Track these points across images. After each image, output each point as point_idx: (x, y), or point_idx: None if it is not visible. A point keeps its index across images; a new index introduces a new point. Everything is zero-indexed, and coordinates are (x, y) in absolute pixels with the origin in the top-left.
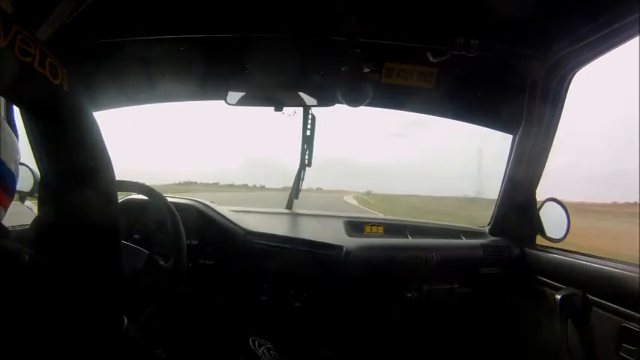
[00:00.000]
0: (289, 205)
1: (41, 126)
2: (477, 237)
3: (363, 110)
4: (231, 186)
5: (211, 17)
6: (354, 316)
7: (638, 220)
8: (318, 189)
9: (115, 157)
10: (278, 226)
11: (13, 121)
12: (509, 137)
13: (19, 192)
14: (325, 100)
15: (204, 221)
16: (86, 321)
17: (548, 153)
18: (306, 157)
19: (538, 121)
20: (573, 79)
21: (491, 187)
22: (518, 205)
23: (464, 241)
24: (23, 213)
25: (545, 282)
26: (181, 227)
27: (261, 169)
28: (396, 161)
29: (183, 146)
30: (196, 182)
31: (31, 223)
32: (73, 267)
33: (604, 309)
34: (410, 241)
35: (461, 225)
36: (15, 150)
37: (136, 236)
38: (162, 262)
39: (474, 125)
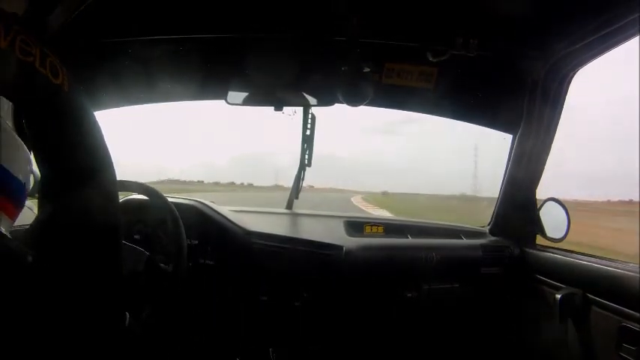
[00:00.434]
0: (289, 205)
1: (41, 125)
2: (477, 237)
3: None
4: (217, 184)
5: (212, 17)
6: (354, 316)
7: (635, 217)
8: (310, 187)
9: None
10: (278, 226)
11: (22, 123)
12: (505, 135)
13: None
14: (325, 100)
15: (205, 221)
16: (87, 320)
17: (548, 153)
18: (306, 156)
19: (538, 121)
20: (573, 78)
21: (487, 186)
22: (518, 205)
23: (464, 241)
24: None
25: (545, 282)
26: (182, 230)
27: (251, 166)
28: (384, 158)
29: (168, 141)
30: (178, 180)
31: (32, 223)
32: (74, 266)
33: (604, 308)
34: (410, 241)
35: (461, 225)
36: (24, 159)
37: (136, 236)
38: (162, 265)
39: (470, 124)
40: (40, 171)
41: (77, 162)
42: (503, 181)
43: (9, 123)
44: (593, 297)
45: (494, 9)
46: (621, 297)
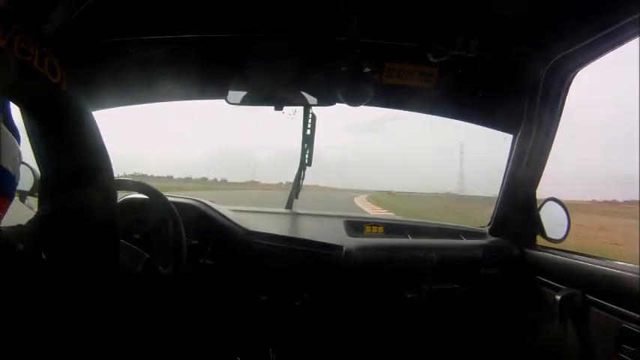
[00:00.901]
0: (289, 205)
1: (41, 124)
2: (477, 237)
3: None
4: (188, 180)
5: (212, 17)
6: (354, 316)
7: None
8: (288, 183)
9: None
10: (278, 226)
11: (11, 119)
12: (502, 135)
13: (20, 191)
14: (326, 100)
15: (205, 221)
16: (82, 314)
17: (548, 153)
18: (307, 156)
19: (538, 121)
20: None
21: (474, 184)
22: (518, 205)
23: (464, 241)
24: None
25: (545, 282)
26: (182, 231)
27: (227, 162)
28: (368, 157)
29: (140, 133)
30: (145, 175)
31: (30, 220)
32: (72, 262)
33: (604, 309)
34: (410, 241)
35: (461, 225)
36: (12, 149)
37: (136, 236)
38: (161, 268)
39: (463, 123)
40: (39, 169)
41: (76, 161)
42: (503, 181)
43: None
44: (592, 298)
45: (495, 10)
46: (621, 298)
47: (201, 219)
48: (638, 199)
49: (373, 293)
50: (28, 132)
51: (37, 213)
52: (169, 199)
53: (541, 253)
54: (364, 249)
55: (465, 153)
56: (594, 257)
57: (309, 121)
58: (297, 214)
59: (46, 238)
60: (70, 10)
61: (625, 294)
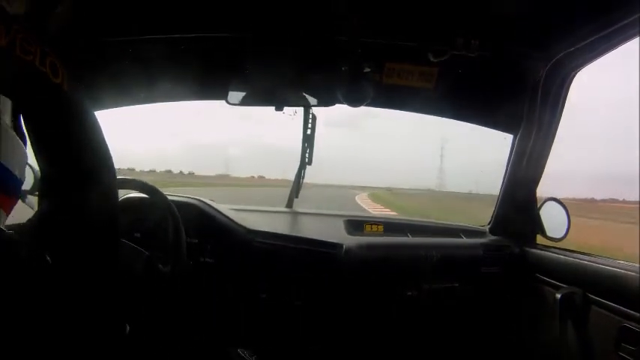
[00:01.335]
0: (289, 204)
1: (42, 124)
2: (477, 236)
3: None
4: (152, 172)
5: (212, 17)
6: (354, 315)
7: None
8: (260, 177)
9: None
10: (278, 225)
11: (20, 122)
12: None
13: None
14: (326, 100)
15: (205, 219)
16: (83, 313)
17: (548, 153)
18: (307, 155)
19: (539, 121)
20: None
21: (456, 180)
22: (518, 205)
23: (464, 240)
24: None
25: (545, 281)
26: (182, 231)
27: (203, 155)
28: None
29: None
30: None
31: (30, 218)
32: (72, 261)
33: (604, 308)
34: (410, 239)
35: (461, 224)
36: (20, 152)
37: (136, 234)
38: (161, 266)
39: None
40: (40, 168)
41: (77, 160)
42: (503, 180)
43: (7, 120)
44: (593, 296)
45: (495, 9)
46: (622, 297)
47: (201, 217)
48: (615, 197)
49: (373, 292)
50: (28, 131)
51: (38, 211)
52: (169, 197)
53: (541, 251)
54: (364, 247)
55: (445, 149)
56: (595, 256)
57: (310, 121)
58: (298, 213)
59: (47, 237)
60: (70, 10)
61: (626, 293)
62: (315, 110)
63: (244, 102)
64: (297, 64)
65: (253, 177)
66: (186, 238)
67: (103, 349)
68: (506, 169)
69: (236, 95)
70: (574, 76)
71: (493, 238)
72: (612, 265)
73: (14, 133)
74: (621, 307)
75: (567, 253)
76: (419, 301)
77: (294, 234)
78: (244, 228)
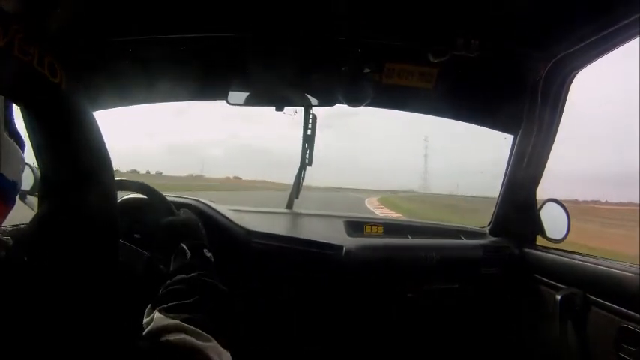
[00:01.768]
0: (289, 205)
1: (40, 124)
2: (477, 237)
3: None
4: (116, 172)
5: (212, 17)
6: (354, 316)
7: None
8: (236, 178)
9: None
10: (278, 226)
11: (13, 124)
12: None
13: (21, 191)
14: (326, 100)
15: (204, 220)
16: (82, 317)
17: (548, 153)
18: (307, 156)
19: (539, 122)
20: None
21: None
22: (518, 206)
23: (464, 241)
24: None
25: (545, 282)
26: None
27: (180, 156)
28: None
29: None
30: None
31: (30, 221)
32: (71, 263)
33: (604, 309)
34: (410, 241)
35: (461, 225)
36: (14, 156)
37: (136, 235)
38: (161, 266)
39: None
40: (39, 169)
41: (76, 161)
42: (503, 181)
43: (1, 125)
44: (593, 297)
45: (496, 10)
46: (621, 297)
47: (201, 219)
48: (599, 199)
49: (373, 293)
50: (28, 132)
51: (37, 213)
52: (169, 199)
53: (541, 252)
54: (364, 249)
55: (429, 148)
56: (595, 257)
57: (310, 121)
58: (297, 214)
59: (46, 240)
60: (70, 10)
61: (625, 293)
62: (287, 110)
63: (244, 102)
64: (297, 64)
65: (229, 178)
66: None
67: (103, 351)
68: (506, 170)
69: (236, 95)
70: (574, 76)
71: (493, 239)
72: (612, 266)
73: (8, 138)
74: (621, 308)
75: (567, 254)
76: (419, 302)
77: (294, 235)
78: (244, 229)
